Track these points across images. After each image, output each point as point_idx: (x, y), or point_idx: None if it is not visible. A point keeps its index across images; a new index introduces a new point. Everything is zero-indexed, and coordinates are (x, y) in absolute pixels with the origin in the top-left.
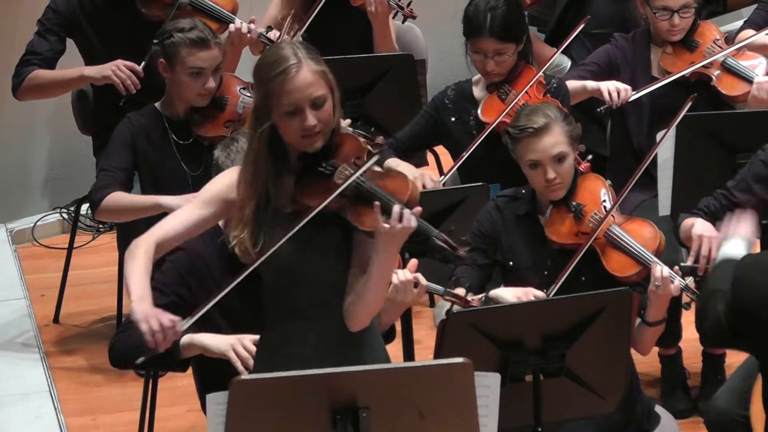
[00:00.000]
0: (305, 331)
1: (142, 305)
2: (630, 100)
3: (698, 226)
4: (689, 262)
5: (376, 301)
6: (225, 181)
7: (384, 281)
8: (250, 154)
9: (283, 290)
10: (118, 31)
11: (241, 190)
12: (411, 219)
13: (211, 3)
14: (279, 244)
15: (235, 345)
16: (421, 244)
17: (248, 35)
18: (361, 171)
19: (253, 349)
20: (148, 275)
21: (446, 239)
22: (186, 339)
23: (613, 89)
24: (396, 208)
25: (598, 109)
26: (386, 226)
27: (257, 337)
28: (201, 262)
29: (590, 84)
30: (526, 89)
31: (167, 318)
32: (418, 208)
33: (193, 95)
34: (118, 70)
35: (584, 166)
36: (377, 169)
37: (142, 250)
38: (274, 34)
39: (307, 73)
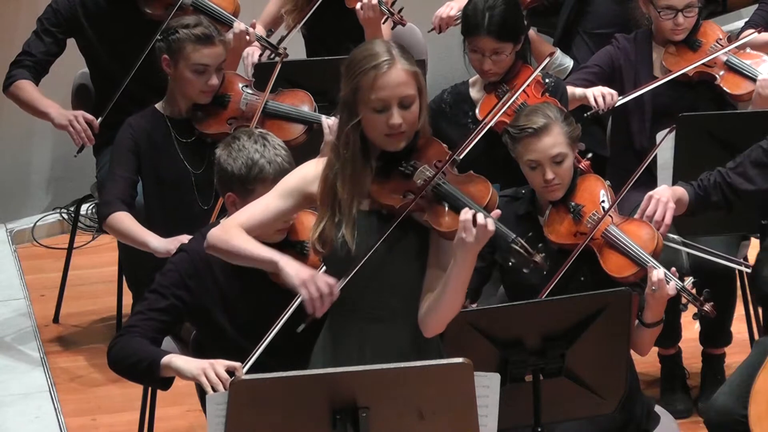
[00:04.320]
0: (364, 331)
1: (293, 266)
2: (617, 105)
3: (657, 189)
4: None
5: (453, 309)
6: (304, 174)
7: (462, 289)
8: (341, 150)
9: (348, 288)
10: (119, 31)
11: (325, 185)
12: (489, 222)
13: (213, 4)
14: (375, 246)
15: (207, 369)
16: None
17: (247, 38)
18: (442, 168)
19: (225, 375)
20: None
21: (524, 245)
22: (165, 360)
23: (599, 94)
24: (472, 212)
25: (585, 114)
26: (463, 235)
27: (230, 363)
28: (203, 263)
29: (578, 91)
30: (523, 87)
31: (324, 282)
32: (497, 211)
33: (196, 92)
34: (75, 121)
35: (584, 164)
36: (457, 173)
37: (237, 230)
38: (275, 38)
39: (399, 71)
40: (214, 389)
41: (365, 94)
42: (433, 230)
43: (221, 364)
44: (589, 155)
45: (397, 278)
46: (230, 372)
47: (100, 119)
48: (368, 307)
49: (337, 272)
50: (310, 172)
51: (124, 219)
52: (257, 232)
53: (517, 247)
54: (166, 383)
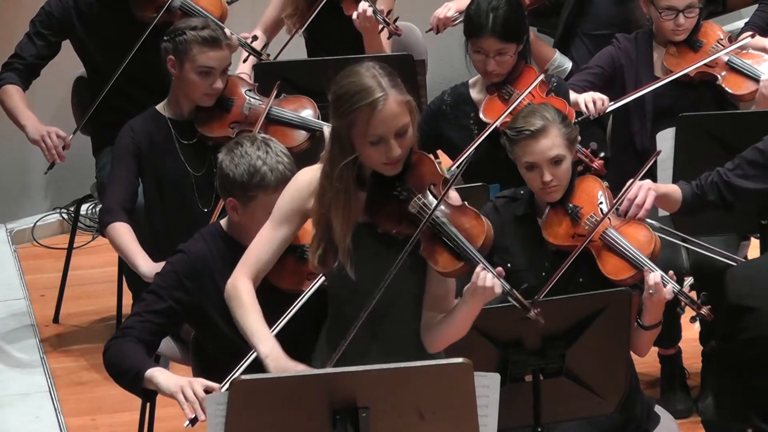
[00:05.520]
0: (365, 346)
1: (277, 363)
2: (608, 110)
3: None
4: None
5: (460, 335)
6: (298, 192)
7: (469, 323)
8: (334, 182)
9: (346, 300)
10: (112, 32)
11: (320, 208)
12: (496, 285)
13: (201, 8)
14: (389, 277)
15: (185, 388)
16: None
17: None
18: (437, 204)
19: (202, 393)
20: (263, 319)
21: (518, 298)
22: (148, 373)
23: (590, 100)
24: (482, 273)
25: (575, 120)
26: (474, 289)
27: (208, 383)
28: (202, 264)
29: (570, 97)
30: (529, 89)
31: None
32: (500, 269)
33: (200, 94)
34: (48, 137)
35: (597, 163)
36: (452, 201)
37: (246, 294)
38: (258, 44)
39: (393, 105)
40: (190, 407)
41: (361, 130)
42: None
43: (199, 383)
44: (602, 154)
45: (394, 295)
46: (208, 391)
47: (71, 136)
48: (366, 323)
49: (338, 288)
50: (303, 188)
51: (121, 232)
52: (269, 269)
53: (511, 300)
54: (151, 394)
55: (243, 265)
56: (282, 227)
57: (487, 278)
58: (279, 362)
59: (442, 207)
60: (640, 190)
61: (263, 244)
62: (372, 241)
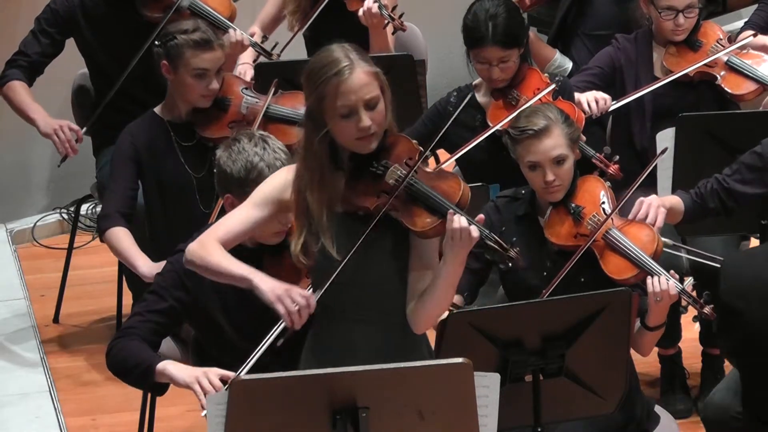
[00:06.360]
0: (349, 333)
1: (267, 282)
2: (610, 109)
3: (648, 197)
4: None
5: (442, 306)
6: (278, 182)
7: (451, 287)
8: (308, 161)
9: (329, 290)
10: (117, 32)
11: (298, 197)
12: (473, 230)
13: (210, 9)
14: (352, 252)
15: (200, 378)
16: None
17: (243, 44)
18: (412, 171)
19: (218, 383)
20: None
21: (498, 240)
22: (159, 366)
23: (592, 99)
24: (456, 217)
25: None
26: (450, 239)
27: (224, 372)
28: None
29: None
30: (538, 97)
31: (299, 294)
32: (481, 216)
33: (197, 96)
34: (60, 131)
35: (613, 168)
36: (428, 170)
37: (214, 246)
38: (268, 45)
39: (360, 74)
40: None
41: (330, 102)
42: (409, 231)
43: (214, 373)
44: (617, 158)
45: (378, 278)
46: (224, 381)
47: (84, 129)
48: (351, 308)
49: (323, 281)
50: (282, 179)
51: (119, 236)
52: (235, 244)
53: (491, 243)
54: (162, 388)
55: (211, 233)
56: (257, 209)
57: (462, 221)
58: (267, 282)
59: (420, 175)
60: (650, 209)
61: (236, 219)
62: (354, 230)
